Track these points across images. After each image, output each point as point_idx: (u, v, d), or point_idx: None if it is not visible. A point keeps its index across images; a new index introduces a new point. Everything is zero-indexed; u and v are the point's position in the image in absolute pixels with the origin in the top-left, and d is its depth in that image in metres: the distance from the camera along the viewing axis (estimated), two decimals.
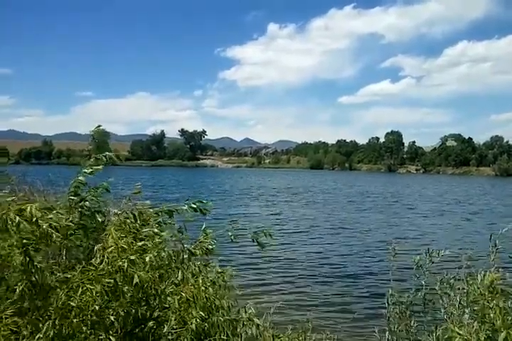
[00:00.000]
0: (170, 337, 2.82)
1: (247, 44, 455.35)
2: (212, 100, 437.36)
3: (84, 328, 2.54)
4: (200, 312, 2.83)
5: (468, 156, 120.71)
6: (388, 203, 33.59)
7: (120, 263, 2.67)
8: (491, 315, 2.48)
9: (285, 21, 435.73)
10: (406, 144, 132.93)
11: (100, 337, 2.59)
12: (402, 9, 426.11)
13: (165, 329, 2.83)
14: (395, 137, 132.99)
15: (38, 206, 2.60)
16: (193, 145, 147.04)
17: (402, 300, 4.01)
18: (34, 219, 2.55)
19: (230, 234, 3.51)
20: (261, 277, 11.23)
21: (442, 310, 3.67)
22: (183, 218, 3.50)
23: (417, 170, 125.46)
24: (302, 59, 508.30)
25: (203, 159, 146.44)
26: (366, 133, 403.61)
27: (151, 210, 3.34)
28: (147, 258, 2.79)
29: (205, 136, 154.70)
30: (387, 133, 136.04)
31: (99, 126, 3.63)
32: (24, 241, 2.54)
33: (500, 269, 3.19)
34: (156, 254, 2.93)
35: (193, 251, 3.26)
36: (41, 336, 2.43)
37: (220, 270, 3.53)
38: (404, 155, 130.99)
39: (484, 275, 2.81)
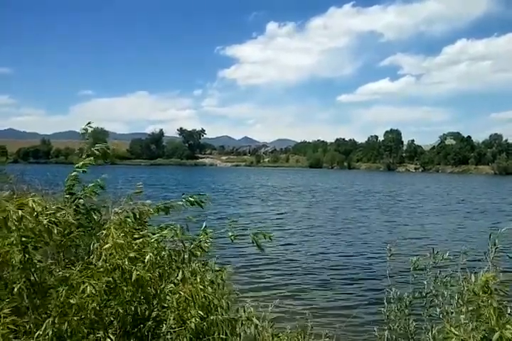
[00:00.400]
0: (169, 336, 2.82)
1: (246, 43, 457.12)
2: (212, 99, 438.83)
3: (83, 327, 2.54)
4: (199, 312, 2.82)
5: (467, 155, 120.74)
6: (389, 202, 33.62)
7: (119, 261, 2.67)
8: (486, 314, 2.48)
9: (284, 20, 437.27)
10: (405, 143, 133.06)
11: (99, 336, 2.60)
12: (401, 7, 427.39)
13: (164, 329, 2.83)
14: (394, 136, 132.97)
15: (38, 200, 2.60)
16: (192, 144, 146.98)
17: (401, 299, 4.02)
18: (35, 214, 2.54)
19: (230, 234, 3.50)
20: (261, 276, 11.24)
21: (438, 310, 3.67)
22: (184, 218, 3.50)
23: (416, 168, 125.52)
24: (301, 57, 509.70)
25: (201, 158, 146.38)
26: (365, 131, 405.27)
27: (151, 210, 3.34)
28: (147, 257, 2.78)
29: (204, 135, 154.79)
30: (387, 132, 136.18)
31: (90, 122, 3.55)
32: (23, 239, 2.54)
33: (498, 268, 3.19)
34: (156, 253, 2.93)
35: (194, 252, 3.25)
36: (40, 333, 2.43)
37: (218, 268, 3.52)
38: (404, 154, 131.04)
39: (478, 275, 2.80)
